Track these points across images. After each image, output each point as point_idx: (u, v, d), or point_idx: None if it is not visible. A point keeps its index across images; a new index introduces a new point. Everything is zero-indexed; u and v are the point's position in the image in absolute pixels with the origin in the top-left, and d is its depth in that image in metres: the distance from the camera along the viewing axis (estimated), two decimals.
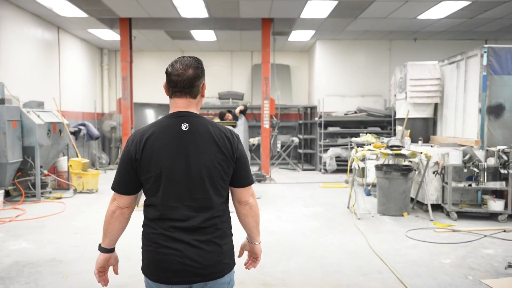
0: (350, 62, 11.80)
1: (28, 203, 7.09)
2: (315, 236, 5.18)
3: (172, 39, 11.64)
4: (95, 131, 10.50)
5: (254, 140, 10.66)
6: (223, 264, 1.79)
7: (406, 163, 6.56)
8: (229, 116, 8.40)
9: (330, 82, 11.79)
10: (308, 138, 12.30)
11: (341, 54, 11.80)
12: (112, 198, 1.83)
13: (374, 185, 8.01)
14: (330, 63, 11.81)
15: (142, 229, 1.82)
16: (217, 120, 10.15)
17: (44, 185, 7.76)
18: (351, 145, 9.85)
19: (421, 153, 5.86)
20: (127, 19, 9.55)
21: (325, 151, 11.16)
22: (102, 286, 1.93)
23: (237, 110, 8.33)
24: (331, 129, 11.21)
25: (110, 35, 11.04)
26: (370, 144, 7.57)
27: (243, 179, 1.85)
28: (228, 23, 10.03)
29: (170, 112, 1.81)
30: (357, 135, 11.21)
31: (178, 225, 1.73)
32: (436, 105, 7.57)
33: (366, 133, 9.39)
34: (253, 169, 9.49)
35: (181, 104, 1.79)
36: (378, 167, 6.25)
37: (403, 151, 5.79)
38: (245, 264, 2.05)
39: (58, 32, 10.20)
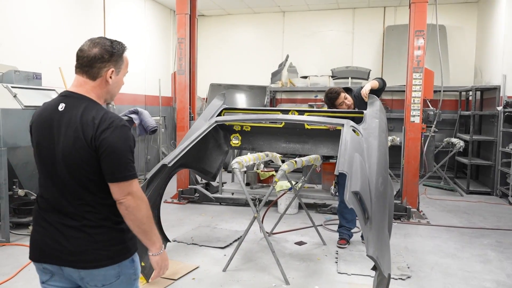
0: None
1: None
2: None
3: None
4: (151, 121, 7.15)
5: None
6: (98, 254, 1.60)
7: None
8: (346, 99, 4.32)
9: None
10: (478, 139, 7.48)
11: None
12: None
13: None
14: None
15: None
16: (325, 107, 6.11)
17: (27, 211, 4.74)
18: None
19: None
20: None
21: None
22: None
23: (365, 90, 4.15)
24: None
25: None
26: None
27: (108, 173, 1.59)
28: None
29: None
30: None
31: (49, 206, 1.65)
32: None
33: None
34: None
35: (76, 82, 1.67)
36: None
37: None
38: None
39: None
